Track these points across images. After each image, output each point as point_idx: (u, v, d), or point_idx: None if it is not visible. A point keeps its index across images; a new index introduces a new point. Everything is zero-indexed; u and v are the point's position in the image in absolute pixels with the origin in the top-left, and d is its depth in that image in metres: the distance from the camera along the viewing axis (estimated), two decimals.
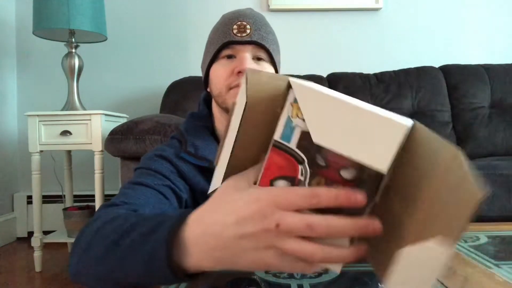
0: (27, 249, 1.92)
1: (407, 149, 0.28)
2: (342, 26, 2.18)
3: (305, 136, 0.30)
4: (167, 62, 2.16)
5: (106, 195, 1.68)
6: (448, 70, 1.97)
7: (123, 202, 0.53)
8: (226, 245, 0.31)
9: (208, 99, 0.80)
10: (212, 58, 0.71)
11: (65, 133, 1.62)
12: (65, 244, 1.91)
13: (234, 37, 0.68)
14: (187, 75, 1.98)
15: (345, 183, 0.30)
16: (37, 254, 1.63)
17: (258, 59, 0.70)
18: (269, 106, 0.32)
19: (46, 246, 1.73)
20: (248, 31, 0.68)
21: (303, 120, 0.30)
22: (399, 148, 0.28)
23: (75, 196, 1.97)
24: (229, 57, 0.70)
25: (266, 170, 0.32)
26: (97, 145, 1.61)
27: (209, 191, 0.39)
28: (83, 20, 1.65)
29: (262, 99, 0.32)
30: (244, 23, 0.69)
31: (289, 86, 0.32)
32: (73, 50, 1.76)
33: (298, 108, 0.30)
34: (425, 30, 2.18)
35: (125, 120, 1.85)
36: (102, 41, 1.86)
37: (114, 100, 2.16)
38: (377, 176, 0.29)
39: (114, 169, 1.82)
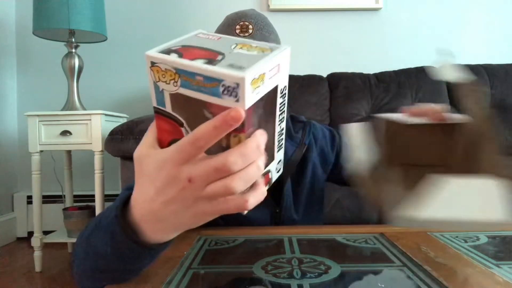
0: (27, 249, 1.92)
1: None
2: (342, 26, 2.18)
3: (175, 97, 0.30)
4: None
5: (106, 195, 1.68)
6: None
7: None
8: (160, 215, 0.33)
9: None
10: None
11: (65, 133, 1.62)
12: (65, 244, 1.91)
13: (236, 36, 0.70)
14: None
15: (236, 132, 0.29)
16: (37, 254, 1.63)
17: None
18: None
19: (46, 246, 1.73)
20: (250, 30, 0.70)
21: (166, 82, 0.30)
22: None
23: (75, 196, 1.97)
24: None
25: (159, 137, 0.33)
26: (97, 145, 1.61)
27: None
28: (83, 20, 1.65)
29: None
30: (247, 23, 0.71)
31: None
32: (73, 50, 1.76)
33: (157, 71, 0.30)
34: (425, 30, 2.18)
35: (125, 120, 1.85)
36: (102, 41, 1.86)
37: (114, 100, 2.16)
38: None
39: (114, 169, 1.82)
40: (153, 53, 0.30)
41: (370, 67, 2.05)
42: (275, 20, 2.29)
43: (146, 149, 0.33)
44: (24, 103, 2.16)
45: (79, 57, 1.77)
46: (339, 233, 0.65)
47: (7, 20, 2.12)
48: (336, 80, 1.95)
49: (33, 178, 1.64)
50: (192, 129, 0.30)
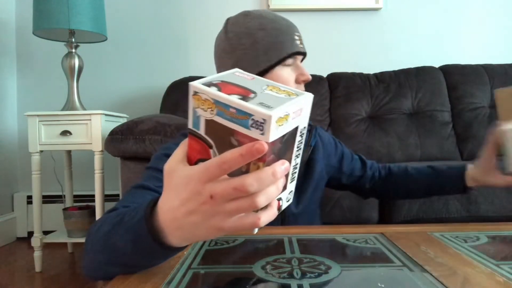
0: (27, 249, 1.92)
1: None
2: (342, 26, 2.18)
3: (209, 123, 0.35)
4: (167, 62, 2.16)
5: (106, 195, 1.68)
6: (448, 70, 1.97)
7: (123, 207, 0.57)
8: (181, 224, 0.38)
9: None
10: (274, 64, 0.75)
11: (65, 133, 1.62)
12: (65, 244, 1.91)
13: (299, 48, 0.75)
14: (187, 75, 1.98)
15: (257, 160, 0.34)
16: (37, 254, 1.63)
17: None
18: None
19: (46, 246, 1.73)
20: (303, 42, 0.77)
21: (204, 109, 0.34)
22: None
23: (75, 196, 1.97)
24: (287, 65, 0.76)
25: (189, 155, 0.38)
26: (97, 145, 1.61)
27: None
28: (83, 20, 1.65)
29: None
30: (298, 34, 0.77)
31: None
32: (73, 50, 1.76)
33: (198, 99, 0.35)
34: (425, 30, 2.18)
35: (125, 120, 1.85)
36: (102, 41, 1.86)
37: (114, 100, 2.16)
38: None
39: (114, 169, 1.82)
40: (197, 84, 0.35)
41: (370, 67, 2.05)
42: None
43: (175, 164, 0.38)
44: (24, 103, 2.16)
45: (79, 57, 1.77)
46: (339, 233, 0.65)
47: (7, 20, 2.11)
48: (336, 80, 1.95)
49: (33, 178, 1.64)
50: (219, 152, 0.35)
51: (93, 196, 1.64)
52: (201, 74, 1.98)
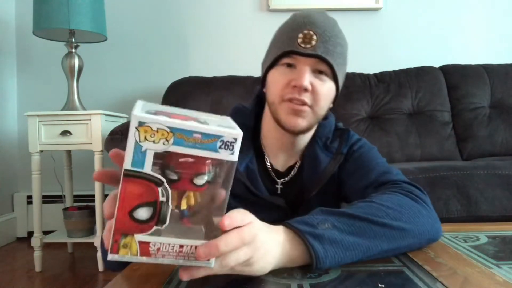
0: (27, 249, 1.92)
1: None
2: (342, 26, 2.16)
3: (160, 156, 0.31)
4: (167, 62, 2.16)
5: (106, 195, 1.68)
6: (448, 70, 1.97)
7: None
8: None
9: (261, 97, 0.77)
10: (272, 63, 0.69)
11: (65, 133, 1.62)
12: (65, 244, 1.91)
13: (297, 47, 0.65)
14: (187, 75, 1.98)
15: (197, 189, 0.33)
16: (37, 254, 1.63)
17: (319, 72, 0.67)
18: None
19: (46, 246, 1.73)
20: (313, 42, 0.65)
21: (154, 142, 0.30)
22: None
23: (75, 196, 1.97)
24: (289, 65, 0.67)
25: (122, 202, 0.32)
26: (97, 145, 1.61)
27: None
28: (83, 20, 1.65)
29: None
30: (311, 32, 0.65)
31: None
32: (73, 50, 1.76)
33: (146, 131, 0.30)
34: (425, 30, 2.18)
35: (125, 120, 1.85)
36: (102, 41, 1.86)
37: (114, 100, 2.16)
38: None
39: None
40: (144, 114, 0.30)
41: (370, 67, 2.04)
42: (275, 20, 2.28)
43: None
44: (24, 103, 2.16)
45: (79, 57, 1.77)
46: None
47: (7, 20, 2.11)
48: None
49: (33, 178, 1.64)
50: (173, 187, 0.32)
51: (93, 196, 1.64)
52: (201, 74, 1.98)
